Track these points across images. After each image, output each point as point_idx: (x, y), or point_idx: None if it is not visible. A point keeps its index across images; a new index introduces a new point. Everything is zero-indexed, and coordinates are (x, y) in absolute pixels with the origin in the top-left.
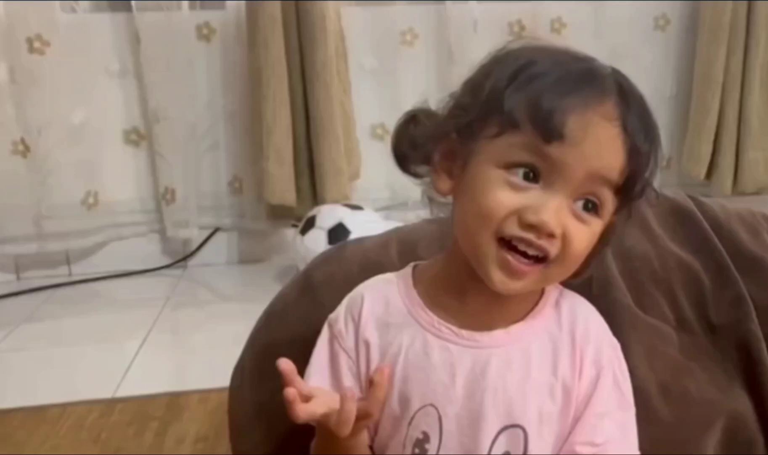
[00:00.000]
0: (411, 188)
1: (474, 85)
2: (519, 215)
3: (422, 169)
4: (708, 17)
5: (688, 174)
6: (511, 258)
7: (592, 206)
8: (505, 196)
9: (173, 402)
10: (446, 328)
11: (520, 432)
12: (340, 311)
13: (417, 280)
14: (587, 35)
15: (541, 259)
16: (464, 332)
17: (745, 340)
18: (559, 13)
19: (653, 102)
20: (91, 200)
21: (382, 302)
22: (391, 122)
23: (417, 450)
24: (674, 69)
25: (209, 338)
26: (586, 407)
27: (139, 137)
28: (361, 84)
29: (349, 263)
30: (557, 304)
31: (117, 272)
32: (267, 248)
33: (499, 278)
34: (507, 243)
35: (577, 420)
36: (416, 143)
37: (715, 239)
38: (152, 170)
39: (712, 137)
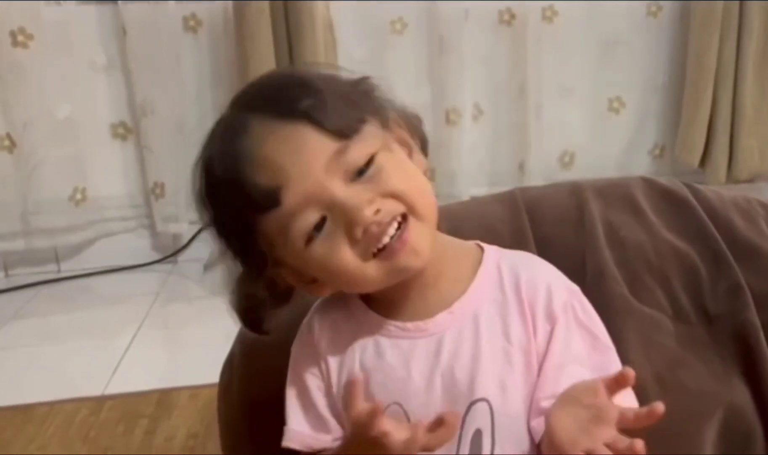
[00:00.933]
0: None
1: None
2: (355, 242)
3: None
4: (700, 4)
5: (681, 162)
6: (391, 246)
7: (364, 168)
8: (335, 252)
9: (163, 399)
10: (393, 326)
11: (485, 404)
12: (298, 338)
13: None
14: (579, 23)
15: (401, 222)
16: (409, 325)
17: (743, 329)
18: (551, 2)
19: (646, 90)
20: (78, 195)
21: (330, 319)
22: None
23: None
24: (667, 57)
25: (200, 334)
26: (544, 360)
27: (127, 131)
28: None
29: None
30: (498, 268)
31: (106, 268)
32: None
33: (405, 263)
34: (376, 252)
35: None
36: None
37: (711, 227)
38: (140, 165)
39: (705, 125)
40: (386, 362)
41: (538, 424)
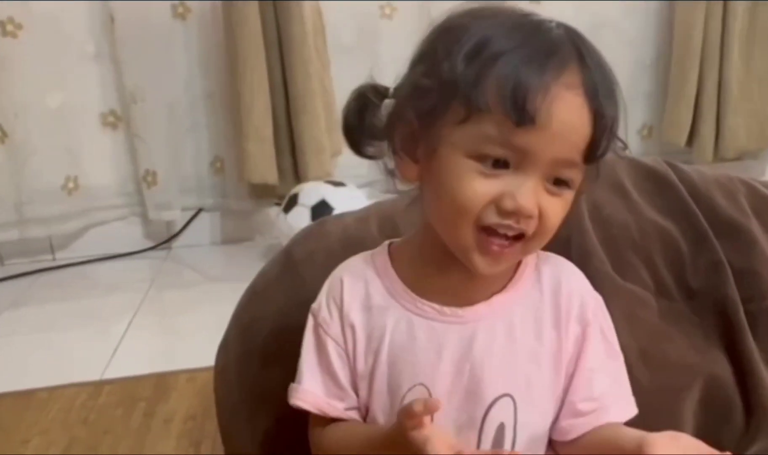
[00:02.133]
0: None
1: (428, 64)
2: (496, 203)
3: (377, 149)
4: None
5: (669, 142)
6: (494, 244)
7: (563, 181)
8: (480, 185)
9: (161, 383)
10: (429, 307)
11: (509, 400)
12: (322, 298)
13: (394, 259)
14: (566, 5)
15: (519, 237)
16: (447, 310)
17: (723, 304)
18: None
19: (633, 70)
20: (71, 184)
21: (362, 284)
22: None
23: None
24: (654, 36)
25: (195, 319)
26: (578, 363)
27: (117, 119)
28: (341, 59)
29: (329, 240)
30: (537, 269)
31: (100, 256)
32: (251, 228)
33: (482, 264)
34: (486, 229)
35: (570, 378)
36: (373, 127)
37: (693, 205)
38: (131, 153)
39: (692, 104)
40: (417, 343)
41: (570, 426)
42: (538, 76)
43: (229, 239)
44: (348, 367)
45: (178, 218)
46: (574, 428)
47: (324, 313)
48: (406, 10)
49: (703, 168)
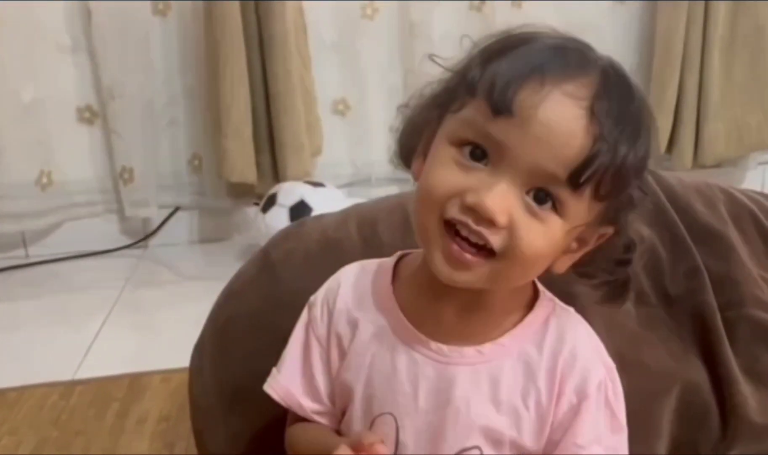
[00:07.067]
0: (374, 164)
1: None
2: (461, 197)
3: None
4: None
5: None
6: (455, 245)
7: (544, 197)
8: (450, 175)
9: (134, 383)
10: (415, 336)
11: (476, 452)
12: (319, 295)
13: (397, 275)
14: (547, 8)
15: (487, 250)
16: (433, 344)
17: (700, 311)
18: None
19: None
20: (44, 179)
21: (356, 294)
22: (353, 97)
23: None
24: (634, 42)
25: (171, 319)
26: (566, 435)
27: (93, 114)
28: (322, 59)
29: (307, 240)
30: (545, 324)
31: (74, 254)
32: (228, 227)
33: (442, 267)
34: (452, 228)
35: (554, 446)
36: (408, 133)
37: (672, 212)
38: (107, 149)
39: (672, 110)
40: (396, 370)
41: None
42: (534, 73)
43: (206, 238)
44: (328, 373)
45: (155, 215)
46: None
47: (316, 312)
48: (387, 10)
49: (682, 175)
